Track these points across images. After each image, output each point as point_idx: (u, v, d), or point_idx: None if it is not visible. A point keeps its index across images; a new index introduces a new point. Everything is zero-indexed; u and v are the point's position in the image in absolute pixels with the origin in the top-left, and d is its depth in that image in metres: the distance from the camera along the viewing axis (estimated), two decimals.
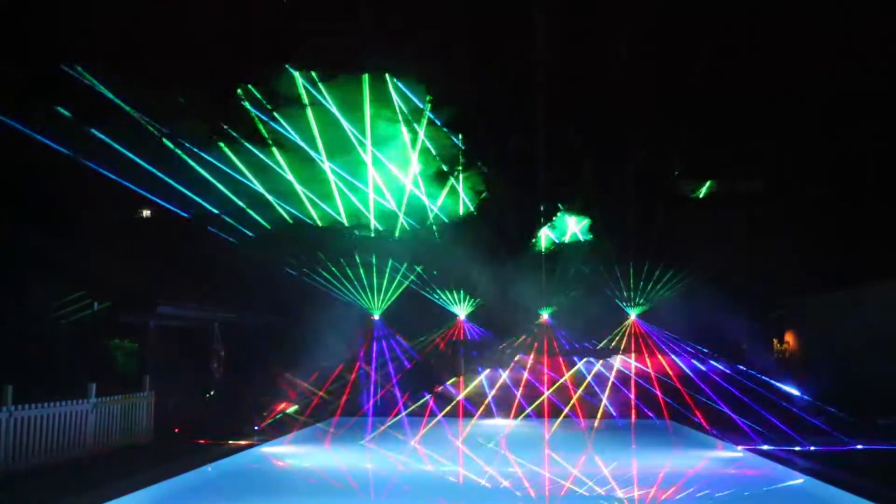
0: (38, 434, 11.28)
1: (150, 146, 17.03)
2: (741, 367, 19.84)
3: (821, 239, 19.40)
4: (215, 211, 19.24)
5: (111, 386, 13.58)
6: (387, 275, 22.76)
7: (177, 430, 15.16)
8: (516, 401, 20.55)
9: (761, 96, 19.73)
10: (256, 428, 16.29)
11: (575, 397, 20.37)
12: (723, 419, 16.69)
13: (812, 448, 13.38)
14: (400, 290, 23.04)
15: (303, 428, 17.67)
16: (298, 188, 19.74)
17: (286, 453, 15.11)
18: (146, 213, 21.15)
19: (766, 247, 20.22)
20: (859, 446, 13.29)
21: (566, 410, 19.98)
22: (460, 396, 20.69)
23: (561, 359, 21.77)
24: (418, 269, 22.33)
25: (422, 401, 20.42)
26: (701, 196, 22.92)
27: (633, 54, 18.49)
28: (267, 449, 14.98)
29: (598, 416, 19.67)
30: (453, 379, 21.64)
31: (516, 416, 20.08)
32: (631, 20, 17.77)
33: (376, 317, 23.24)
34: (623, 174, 21.33)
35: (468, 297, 23.12)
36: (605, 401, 20.18)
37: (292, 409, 18.58)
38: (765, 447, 13.69)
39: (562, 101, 19.33)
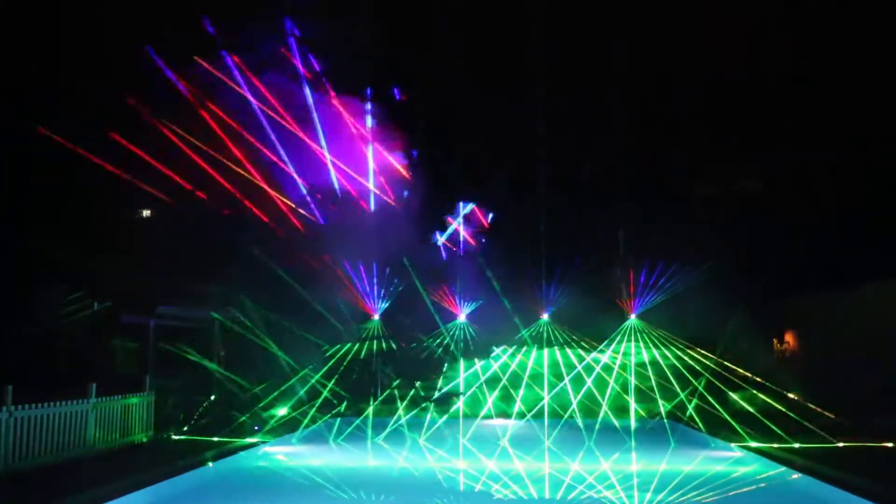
0: (38, 434, 11.29)
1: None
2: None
3: (821, 239, 19.41)
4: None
5: (111, 386, 13.59)
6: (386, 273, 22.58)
7: (173, 434, 15.16)
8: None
9: (762, 95, 19.76)
10: (256, 428, 16.31)
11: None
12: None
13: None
14: (395, 290, 22.82)
15: (303, 427, 17.70)
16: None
17: (287, 453, 15.12)
18: (146, 212, 21.14)
19: (767, 246, 20.23)
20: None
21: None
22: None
23: None
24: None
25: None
26: (702, 195, 22.98)
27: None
28: (267, 449, 14.99)
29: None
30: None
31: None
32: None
33: (375, 317, 22.97)
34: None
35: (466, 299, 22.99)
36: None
37: (284, 412, 18.51)
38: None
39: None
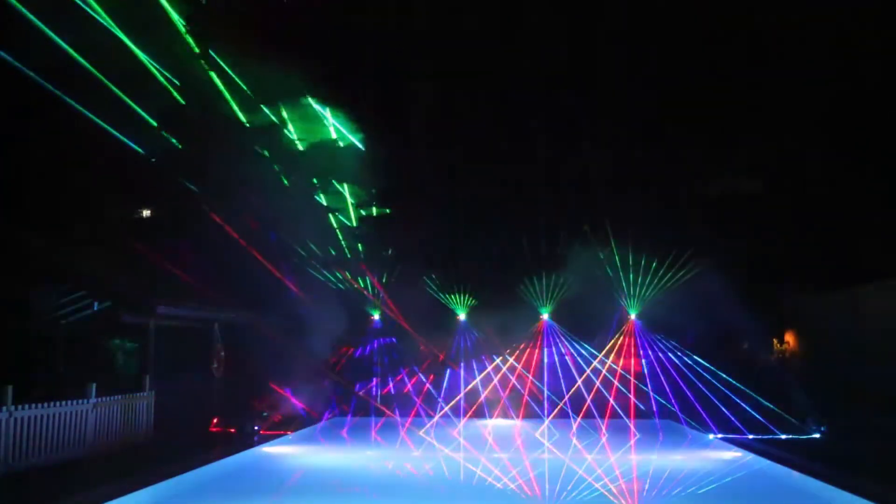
0: (38, 434, 11.29)
1: None
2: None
3: (821, 239, 19.41)
4: None
5: (111, 386, 13.59)
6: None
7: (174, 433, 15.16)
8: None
9: (762, 94, 19.75)
10: (256, 428, 16.31)
11: None
12: None
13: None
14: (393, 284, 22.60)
15: (303, 427, 17.73)
16: None
17: (286, 453, 15.13)
18: (146, 212, 21.14)
19: (767, 246, 20.23)
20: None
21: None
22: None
23: None
24: None
25: None
26: (702, 193, 22.96)
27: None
28: (267, 449, 15.01)
29: None
30: None
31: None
32: None
33: (376, 317, 22.77)
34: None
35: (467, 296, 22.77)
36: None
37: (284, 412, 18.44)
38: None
39: None
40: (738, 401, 17.48)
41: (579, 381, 20.74)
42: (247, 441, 15.10)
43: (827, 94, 18.83)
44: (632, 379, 20.55)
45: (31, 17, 13.98)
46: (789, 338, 21.39)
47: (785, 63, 18.98)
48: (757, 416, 16.44)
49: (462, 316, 22.65)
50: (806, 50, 18.43)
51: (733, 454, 14.25)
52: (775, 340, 21.69)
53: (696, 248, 20.28)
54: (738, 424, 16.07)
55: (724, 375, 18.51)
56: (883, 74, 17.66)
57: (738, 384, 17.98)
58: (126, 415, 13.73)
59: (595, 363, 20.94)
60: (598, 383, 20.60)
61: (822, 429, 15.16)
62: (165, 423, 15.11)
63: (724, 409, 17.35)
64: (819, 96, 18.91)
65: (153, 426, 14.58)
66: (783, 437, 15.01)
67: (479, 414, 20.92)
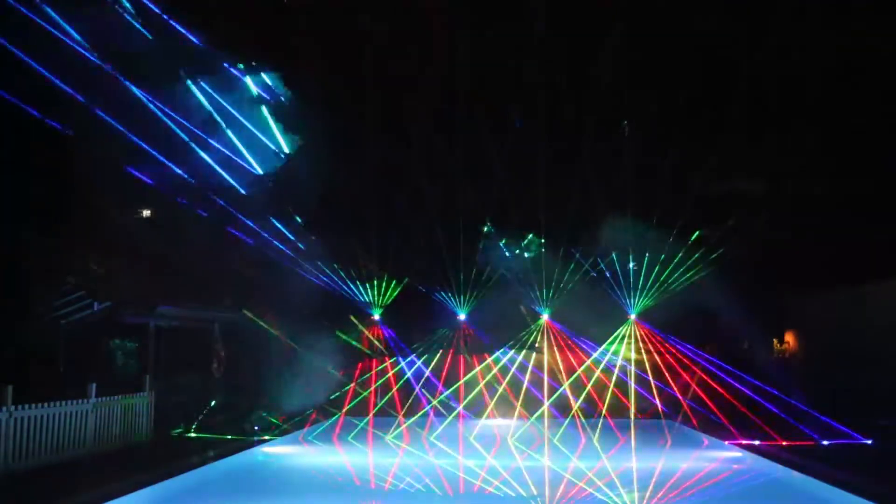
0: (38, 434, 11.30)
1: None
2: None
3: (821, 239, 19.39)
4: None
5: (111, 386, 13.59)
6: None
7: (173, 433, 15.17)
8: None
9: (763, 92, 19.73)
10: (256, 428, 16.32)
11: None
12: None
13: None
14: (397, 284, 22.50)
15: (303, 427, 17.73)
16: None
17: (286, 453, 15.13)
18: (146, 212, 21.11)
19: (767, 246, 20.22)
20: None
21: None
22: None
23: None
24: None
25: None
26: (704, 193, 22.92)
27: None
28: (267, 449, 15.01)
29: None
30: None
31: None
32: None
33: (376, 317, 22.70)
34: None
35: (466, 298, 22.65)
36: None
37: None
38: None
39: None
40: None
41: (579, 372, 20.71)
42: (247, 441, 15.09)
43: (828, 92, 18.81)
44: (632, 371, 20.54)
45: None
46: (789, 338, 21.39)
47: (787, 60, 18.95)
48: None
49: (462, 315, 22.61)
50: (807, 47, 18.41)
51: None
52: (775, 340, 21.70)
53: (697, 248, 20.28)
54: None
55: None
56: (884, 72, 17.65)
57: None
58: (126, 415, 13.73)
59: (595, 355, 20.90)
60: (597, 377, 20.57)
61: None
62: (165, 423, 15.13)
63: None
64: (821, 94, 18.89)
65: (153, 426, 14.58)
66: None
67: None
